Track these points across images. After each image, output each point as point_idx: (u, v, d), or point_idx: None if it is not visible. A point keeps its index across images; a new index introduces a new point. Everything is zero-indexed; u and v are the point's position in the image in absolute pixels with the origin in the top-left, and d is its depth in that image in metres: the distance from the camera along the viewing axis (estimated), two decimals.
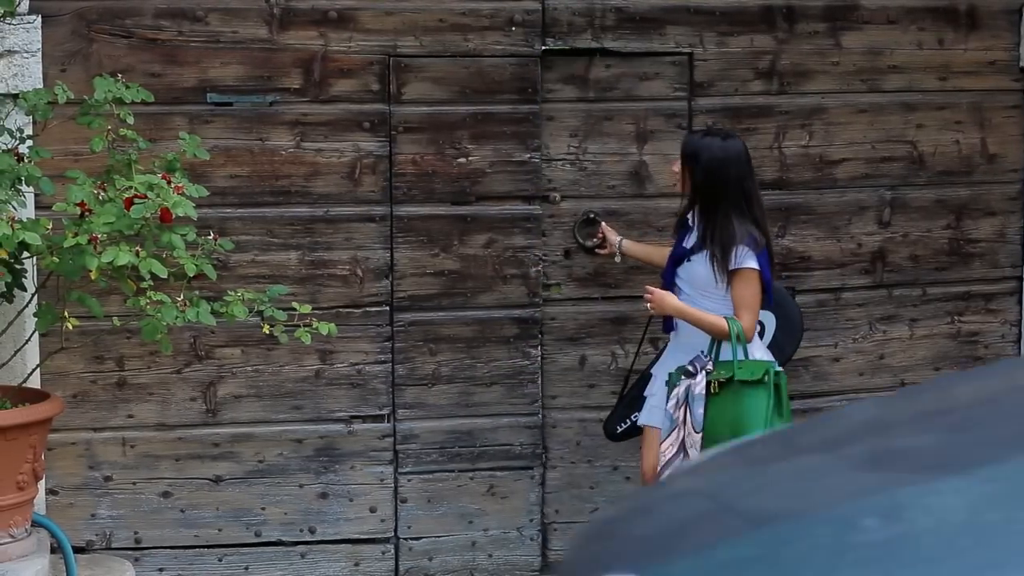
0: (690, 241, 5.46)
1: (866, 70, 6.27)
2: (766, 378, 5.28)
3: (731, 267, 5.33)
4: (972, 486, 1.96)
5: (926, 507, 1.90)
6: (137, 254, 4.81)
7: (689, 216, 5.51)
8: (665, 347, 5.67)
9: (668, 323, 5.55)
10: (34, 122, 5.32)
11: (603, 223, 6.02)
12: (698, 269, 5.40)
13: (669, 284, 5.47)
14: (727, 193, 5.36)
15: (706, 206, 5.39)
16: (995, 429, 2.25)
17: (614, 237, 5.96)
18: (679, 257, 5.47)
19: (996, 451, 2.10)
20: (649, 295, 5.40)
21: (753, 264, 5.35)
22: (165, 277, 4.92)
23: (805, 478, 2.13)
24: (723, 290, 5.36)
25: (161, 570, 5.91)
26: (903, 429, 2.36)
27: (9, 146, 5.12)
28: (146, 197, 4.82)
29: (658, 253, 5.81)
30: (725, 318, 5.33)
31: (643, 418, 5.59)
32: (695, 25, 6.11)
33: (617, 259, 5.98)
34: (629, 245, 5.95)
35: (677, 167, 5.49)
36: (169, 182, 4.91)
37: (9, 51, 5.45)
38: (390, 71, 5.90)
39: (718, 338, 5.35)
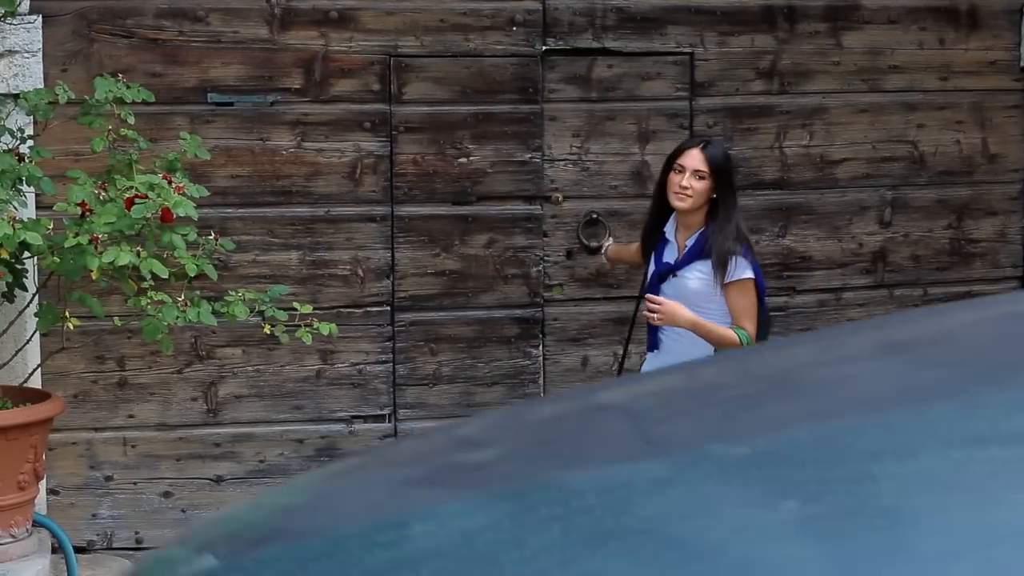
0: (671, 255, 5.32)
1: (867, 70, 6.27)
2: None
3: (730, 279, 5.21)
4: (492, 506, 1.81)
5: (436, 529, 1.76)
6: (138, 254, 4.81)
7: (667, 230, 5.38)
8: (643, 363, 5.56)
9: (653, 340, 5.38)
10: (35, 122, 5.32)
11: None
12: (689, 283, 5.23)
13: None
14: (737, 202, 5.29)
15: (721, 217, 5.25)
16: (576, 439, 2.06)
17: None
18: (663, 273, 5.30)
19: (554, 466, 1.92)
20: (657, 305, 5.18)
21: (749, 274, 5.29)
22: (166, 277, 4.92)
23: (350, 494, 2.04)
24: (716, 302, 5.26)
25: None
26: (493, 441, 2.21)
27: (10, 146, 5.12)
28: (147, 197, 4.82)
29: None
30: (731, 328, 5.24)
31: None
32: (696, 25, 6.11)
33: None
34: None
35: (687, 181, 5.21)
36: (170, 182, 4.91)
37: (10, 51, 5.45)
38: (391, 71, 5.90)
39: (726, 349, 5.23)
